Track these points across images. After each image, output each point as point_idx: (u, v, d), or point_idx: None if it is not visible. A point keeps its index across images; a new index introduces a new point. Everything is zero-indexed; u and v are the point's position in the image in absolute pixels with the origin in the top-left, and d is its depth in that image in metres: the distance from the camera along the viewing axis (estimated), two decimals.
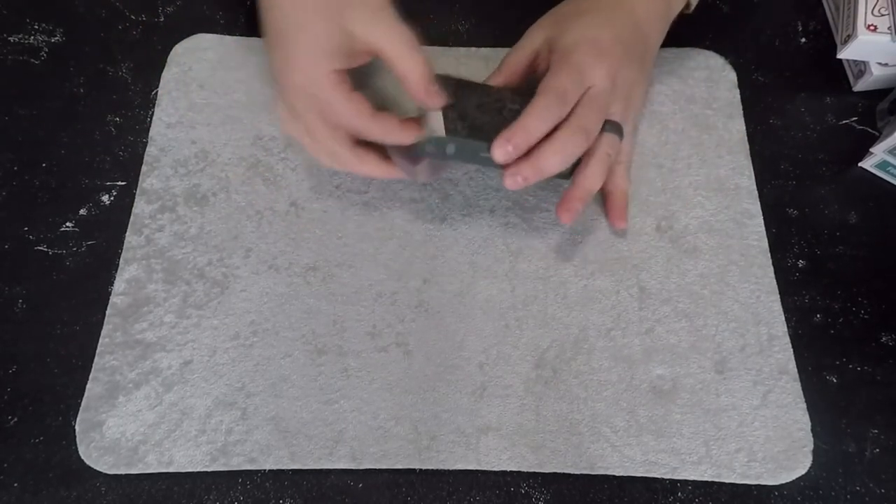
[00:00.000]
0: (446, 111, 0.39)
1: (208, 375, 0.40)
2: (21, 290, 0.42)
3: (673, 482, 0.39)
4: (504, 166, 0.39)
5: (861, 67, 0.51)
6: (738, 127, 0.49)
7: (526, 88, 0.41)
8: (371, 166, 0.41)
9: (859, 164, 0.49)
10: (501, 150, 0.38)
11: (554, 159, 0.38)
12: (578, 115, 0.39)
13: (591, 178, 0.41)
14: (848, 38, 0.49)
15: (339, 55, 0.38)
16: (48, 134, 0.47)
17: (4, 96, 0.48)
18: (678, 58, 0.51)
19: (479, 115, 0.40)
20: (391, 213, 0.45)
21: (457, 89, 0.40)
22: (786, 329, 0.43)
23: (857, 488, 0.39)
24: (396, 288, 0.43)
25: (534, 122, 0.38)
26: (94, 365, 0.40)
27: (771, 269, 0.44)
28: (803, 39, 0.54)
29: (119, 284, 0.42)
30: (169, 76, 0.49)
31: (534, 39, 0.44)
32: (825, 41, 0.53)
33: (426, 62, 0.38)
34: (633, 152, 0.47)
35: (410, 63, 0.38)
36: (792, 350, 0.42)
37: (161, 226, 0.44)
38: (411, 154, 0.40)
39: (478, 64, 0.50)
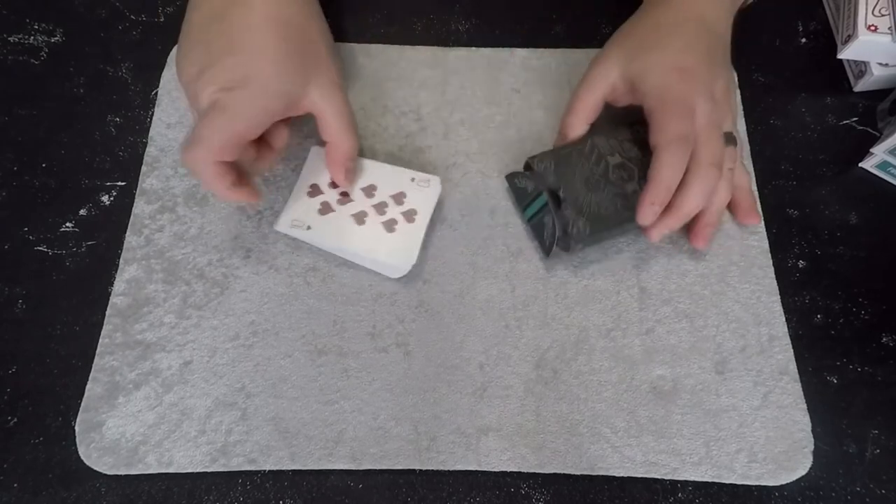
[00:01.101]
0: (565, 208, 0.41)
1: (208, 376, 0.40)
2: (21, 290, 0.42)
3: (673, 483, 0.39)
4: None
5: (861, 68, 0.51)
6: (739, 127, 0.49)
7: (612, 129, 0.43)
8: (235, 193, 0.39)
9: (860, 165, 0.49)
10: (649, 212, 0.39)
11: (696, 201, 0.39)
12: (703, 150, 0.39)
13: (720, 198, 0.42)
14: (848, 39, 0.49)
15: (281, 101, 0.38)
16: (48, 134, 0.47)
17: (4, 96, 0.48)
18: None
19: (589, 193, 0.41)
20: None
21: (556, 167, 0.41)
22: (786, 329, 0.42)
23: (858, 489, 0.39)
24: (396, 288, 0.43)
25: (669, 173, 0.38)
26: (94, 365, 0.40)
27: (771, 270, 0.44)
28: (803, 39, 0.54)
29: (119, 285, 0.42)
30: (169, 76, 0.49)
31: (607, 75, 0.42)
32: (825, 41, 0.53)
33: (356, 146, 0.41)
34: (742, 146, 0.46)
35: (344, 138, 0.41)
36: (792, 350, 0.42)
37: (161, 226, 0.44)
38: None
39: (478, 63, 0.50)
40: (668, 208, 0.40)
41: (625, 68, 0.41)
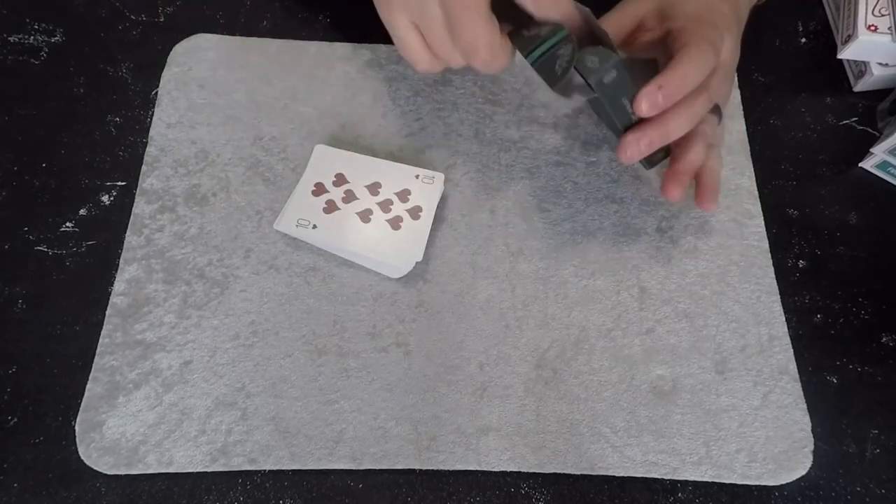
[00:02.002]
0: (595, 42, 0.37)
1: (208, 376, 0.40)
2: (21, 290, 0.42)
3: (673, 483, 0.39)
4: (626, 130, 0.38)
5: (861, 68, 0.51)
6: (739, 127, 0.49)
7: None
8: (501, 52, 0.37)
9: (860, 165, 0.49)
10: (650, 100, 0.36)
11: (681, 121, 0.37)
12: (711, 80, 0.38)
13: (694, 152, 0.40)
14: (848, 39, 0.49)
15: None
16: (48, 134, 0.47)
17: (4, 96, 0.48)
18: None
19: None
20: None
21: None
22: (786, 329, 0.43)
23: (858, 489, 0.39)
24: (396, 288, 0.43)
25: (691, 68, 0.36)
26: (94, 365, 0.40)
27: (771, 270, 0.44)
28: (803, 39, 0.54)
29: (119, 284, 0.42)
30: (169, 76, 0.49)
31: (642, 5, 0.42)
32: (825, 41, 0.53)
33: None
34: (723, 135, 0.45)
35: None
36: (792, 350, 0.42)
37: (161, 226, 0.44)
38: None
39: None
40: (651, 121, 0.37)
41: (660, 4, 0.41)
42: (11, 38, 0.51)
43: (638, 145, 0.37)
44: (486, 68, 0.37)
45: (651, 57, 0.41)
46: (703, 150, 0.41)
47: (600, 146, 0.48)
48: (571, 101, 0.47)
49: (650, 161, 0.42)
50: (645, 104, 0.36)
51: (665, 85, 0.36)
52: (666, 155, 0.42)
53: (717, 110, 0.42)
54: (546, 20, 0.36)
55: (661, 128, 0.37)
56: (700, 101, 0.37)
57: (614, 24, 0.42)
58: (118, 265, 0.43)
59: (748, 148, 0.48)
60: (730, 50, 0.39)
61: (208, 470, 0.38)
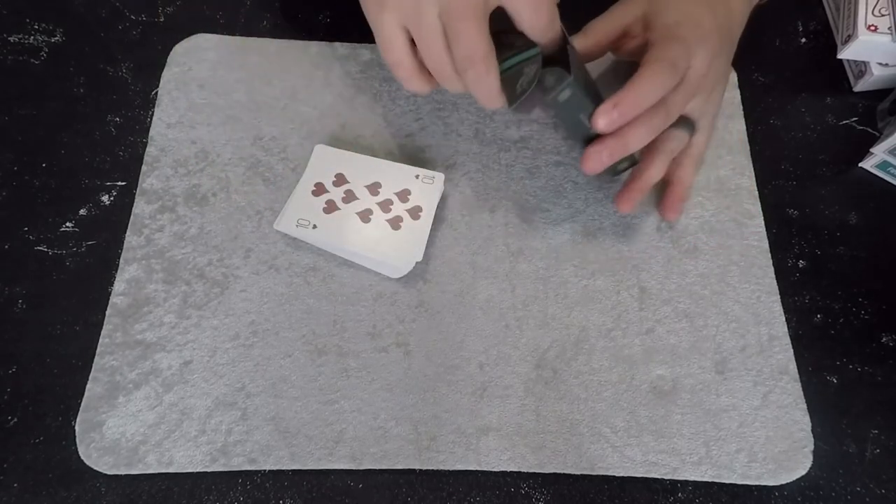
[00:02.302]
0: (563, 58, 0.37)
1: (208, 376, 0.40)
2: (21, 290, 0.42)
3: (673, 483, 0.39)
4: (588, 142, 0.38)
5: (861, 68, 0.51)
6: (739, 127, 0.49)
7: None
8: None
9: (860, 165, 0.49)
10: (606, 118, 0.36)
11: (639, 132, 0.38)
12: (673, 95, 0.38)
13: (653, 170, 0.41)
14: (848, 39, 0.49)
15: None
16: (48, 134, 0.47)
17: (4, 96, 0.48)
18: None
19: (586, 77, 0.39)
20: None
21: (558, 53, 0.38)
22: (786, 329, 0.43)
23: (858, 489, 0.39)
24: (396, 288, 0.43)
25: (646, 87, 0.37)
26: (94, 365, 0.40)
27: (771, 270, 0.44)
28: (803, 39, 0.54)
29: (119, 284, 0.42)
30: (169, 76, 0.49)
31: (627, 12, 0.42)
32: (825, 41, 0.53)
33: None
34: (706, 146, 0.46)
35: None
36: (792, 350, 0.42)
37: (161, 226, 0.44)
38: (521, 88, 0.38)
39: None
40: (611, 134, 0.38)
41: (645, 11, 0.42)
42: (11, 38, 0.51)
43: (599, 156, 0.38)
44: (476, 85, 0.36)
45: (637, 61, 0.42)
46: (662, 167, 0.42)
47: None
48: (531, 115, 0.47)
49: (614, 170, 0.43)
50: (601, 121, 0.37)
51: (620, 103, 0.36)
52: (631, 165, 0.43)
53: (687, 124, 0.42)
54: (531, 38, 0.37)
55: (621, 139, 0.38)
56: (658, 116, 0.38)
57: (601, 31, 0.43)
58: (118, 265, 0.43)
59: (748, 148, 0.48)
60: (702, 63, 0.39)
61: (208, 470, 0.38)
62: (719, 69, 0.42)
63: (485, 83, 0.36)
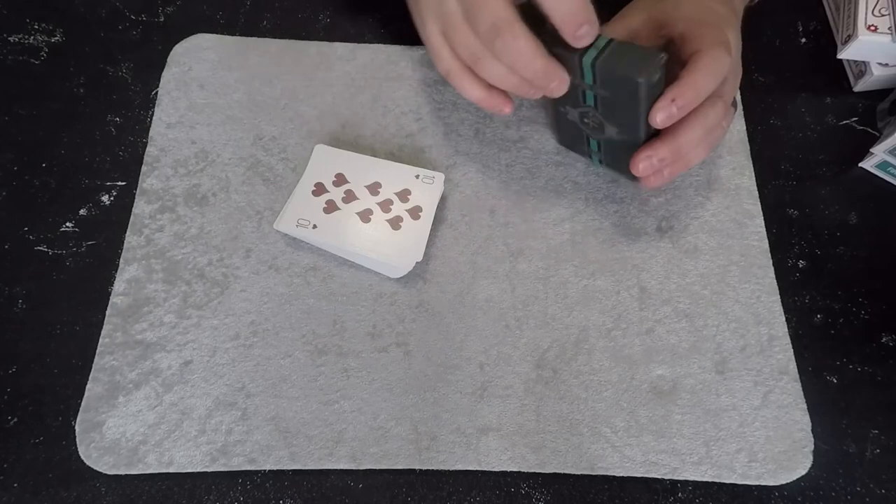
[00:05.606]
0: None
1: (208, 376, 0.40)
2: (21, 290, 0.42)
3: (673, 482, 0.39)
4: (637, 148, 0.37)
5: (861, 68, 0.51)
6: (739, 127, 0.49)
7: None
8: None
9: (859, 165, 0.49)
10: (665, 112, 0.35)
11: (694, 133, 0.36)
12: (725, 84, 0.37)
13: (697, 151, 0.38)
14: (848, 39, 0.49)
15: None
16: (48, 134, 0.47)
17: (4, 96, 0.48)
18: None
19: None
20: None
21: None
22: (786, 329, 0.43)
23: (858, 489, 0.39)
24: (396, 288, 0.43)
25: (703, 78, 0.35)
26: (94, 365, 0.40)
27: (771, 270, 0.44)
28: (803, 39, 0.54)
29: (119, 284, 0.42)
30: (169, 76, 0.49)
31: (631, 19, 0.41)
32: (825, 41, 0.53)
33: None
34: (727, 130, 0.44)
35: None
36: (792, 350, 0.42)
37: (161, 226, 0.44)
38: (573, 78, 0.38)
39: None
40: (664, 133, 0.37)
41: (652, 14, 0.41)
42: (11, 38, 0.51)
43: (650, 161, 0.37)
44: (508, 53, 0.34)
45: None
46: (705, 150, 0.40)
47: None
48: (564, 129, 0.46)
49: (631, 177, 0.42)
50: (660, 117, 0.35)
51: (679, 95, 0.35)
52: None
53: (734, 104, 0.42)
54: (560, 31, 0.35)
55: (670, 146, 0.37)
56: (712, 106, 0.37)
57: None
58: (118, 265, 0.43)
59: (748, 148, 0.48)
60: (734, 45, 0.39)
61: (208, 470, 0.38)
62: (740, 51, 0.41)
63: (514, 48, 0.35)
